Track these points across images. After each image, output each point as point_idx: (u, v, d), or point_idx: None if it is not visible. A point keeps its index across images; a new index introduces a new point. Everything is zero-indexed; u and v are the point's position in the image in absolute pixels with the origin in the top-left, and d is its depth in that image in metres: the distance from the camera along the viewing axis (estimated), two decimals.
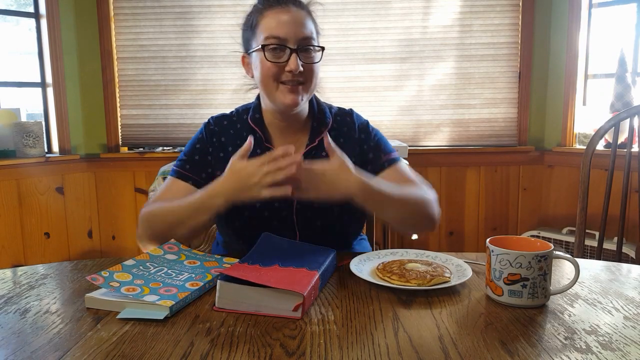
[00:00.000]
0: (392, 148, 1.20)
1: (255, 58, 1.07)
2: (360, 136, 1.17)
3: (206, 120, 1.18)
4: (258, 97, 1.16)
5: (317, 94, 1.20)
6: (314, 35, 1.07)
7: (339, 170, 0.94)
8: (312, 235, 1.10)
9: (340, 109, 1.22)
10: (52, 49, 2.63)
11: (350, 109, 1.21)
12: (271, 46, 1.03)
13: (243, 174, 0.93)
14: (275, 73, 1.04)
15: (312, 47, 1.05)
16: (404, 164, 1.19)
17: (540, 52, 2.72)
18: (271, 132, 1.15)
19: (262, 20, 1.05)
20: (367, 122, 1.20)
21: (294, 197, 0.94)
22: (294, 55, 1.02)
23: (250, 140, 0.97)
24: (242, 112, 1.18)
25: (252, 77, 1.12)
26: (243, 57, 1.14)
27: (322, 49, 1.08)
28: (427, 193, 1.09)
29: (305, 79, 1.05)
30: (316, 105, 1.17)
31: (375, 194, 0.97)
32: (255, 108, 1.15)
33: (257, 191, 0.91)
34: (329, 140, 0.96)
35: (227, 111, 1.20)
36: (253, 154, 1.13)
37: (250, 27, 1.09)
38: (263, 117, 1.15)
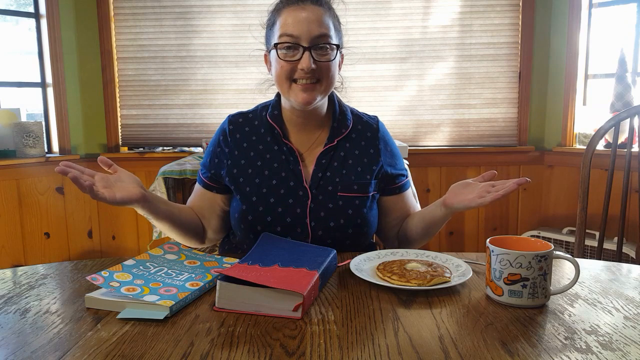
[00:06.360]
0: (403, 166, 1.22)
1: (272, 56, 1.08)
2: (380, 146, 1.17)
3: (225, 119, 1.19)
4: (278, 95, 1.16)
5: (338, 94, 1.20)
6: (331, 32, 1.05)
7: None
8: (324, 237, 1.09)
9: (365, 113, 1.22)
10: (52, 49, 2.63)
11: (376, 116, 1.22)
12: (285, 44, 1.03)
13: None
14: (288, 71, 1.04)
15: (327, 45, 1.04)
16: (411, 186, 1.24)
17: (540, 52, 2.72)
18: (289, 128, 1.15)
19: (279, 18, 1.05)
20: (389, 136, 1.22)
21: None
22: (306, 53, 1.02)
23: None
24: (260, 110, 1.18)
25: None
26: (265, 55, 1.14)
27: (338, 46, 1.07)
28: None
29: (319, 77, 1.05)
30: (338, 107, 1.16)
31: None
32: (274, 105, 1.16)
33: None
34: None
35: (245, 109, 1.21)
36: (271, 150, 1.13)
37: (270, 25, 1.10)
38: (282, 113, 1.15)
